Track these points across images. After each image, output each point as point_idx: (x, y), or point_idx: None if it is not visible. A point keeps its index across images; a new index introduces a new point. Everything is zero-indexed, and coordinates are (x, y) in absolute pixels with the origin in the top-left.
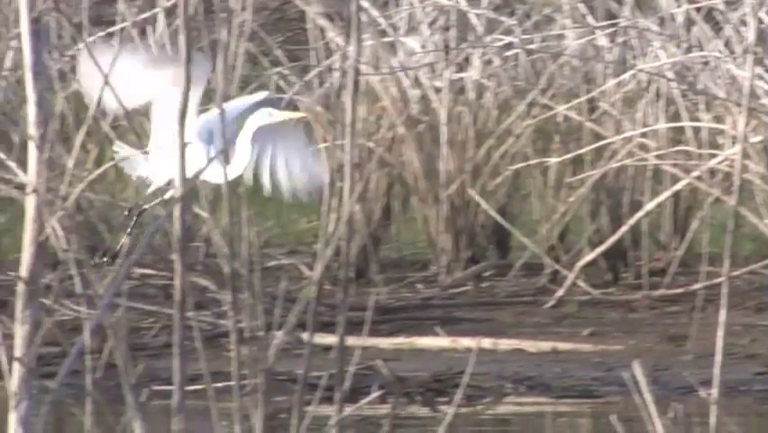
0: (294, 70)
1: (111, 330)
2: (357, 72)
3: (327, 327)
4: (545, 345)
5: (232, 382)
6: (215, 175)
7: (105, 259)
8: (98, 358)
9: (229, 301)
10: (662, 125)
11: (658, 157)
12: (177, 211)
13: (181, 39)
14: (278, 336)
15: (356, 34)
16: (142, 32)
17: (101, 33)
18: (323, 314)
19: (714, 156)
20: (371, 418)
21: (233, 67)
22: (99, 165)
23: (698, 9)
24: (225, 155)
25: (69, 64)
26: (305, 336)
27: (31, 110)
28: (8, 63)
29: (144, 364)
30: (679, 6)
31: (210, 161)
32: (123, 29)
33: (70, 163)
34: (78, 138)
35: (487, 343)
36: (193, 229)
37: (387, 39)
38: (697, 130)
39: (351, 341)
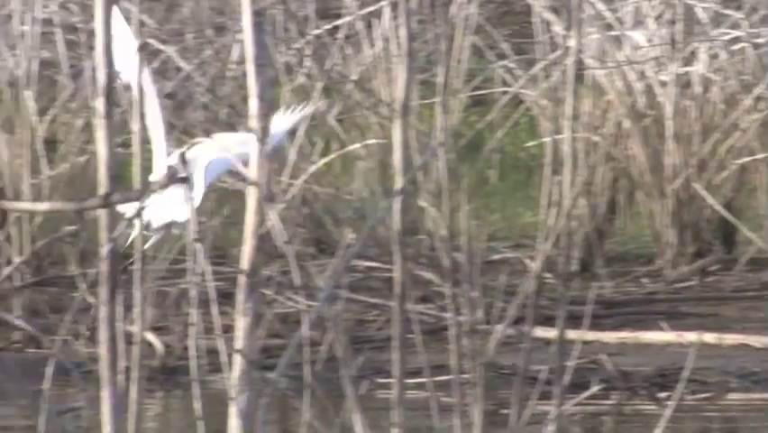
0: (520, 64)
1: (331, 322)
2: (578, 66)
3: (551, 321)
4: None
5: (452, 376)
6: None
7: None
8: (318, 350)
9: (449, 294)
10: None
11: None
12: (397, 204)
13: (402, 32)
14: (499, 329)
15: (577, 28)
16: (368, 26)
17: (326, 26)
18: (546, 308)
19: None
20: (595, 413)
21: (459, 60)
22: (326, 158)
23: None
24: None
25: (296, 57)
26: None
27: (252, 103)
28: (235, 56)
29: (367, 357)
30: None
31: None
32: (349, 22)
33: (292, 156)
34: (300, 131)
35: (710, 338)
36: (417, 222)
37: (613, 33)
38: None
39: (572, 335)
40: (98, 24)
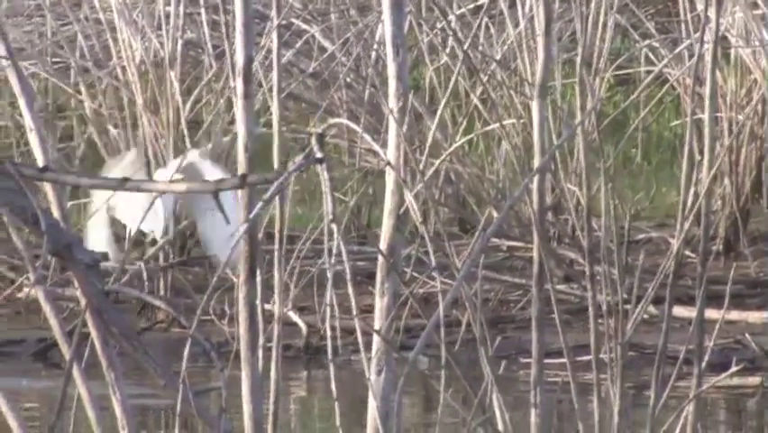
0: (664, 43)
1: (469, 302)
2: (717, 45)
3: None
4: None
5: (591, 356)
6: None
7: None
8: (458, 331)
9: (588, 274)
10: None
11: None
12: (535, 183)
13: (541, 11)
14: (639, 309)
15: (717, 6)
16: (512, 5)
17: (470, 5)
18: (689, 287)
19: None
20: (739, 393)
21: (602, 40)
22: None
23: None
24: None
25: (439, 37)
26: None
27: (391, 83)
28: (378, 36)
29: (510, 337)
30: None
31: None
32: (491, 1)
33: (431, 136)
34: (439, 110)
35: None
36: (562, 202)
37: (758, 11)
38: None
39: (713, 314)
40: (238, 4)
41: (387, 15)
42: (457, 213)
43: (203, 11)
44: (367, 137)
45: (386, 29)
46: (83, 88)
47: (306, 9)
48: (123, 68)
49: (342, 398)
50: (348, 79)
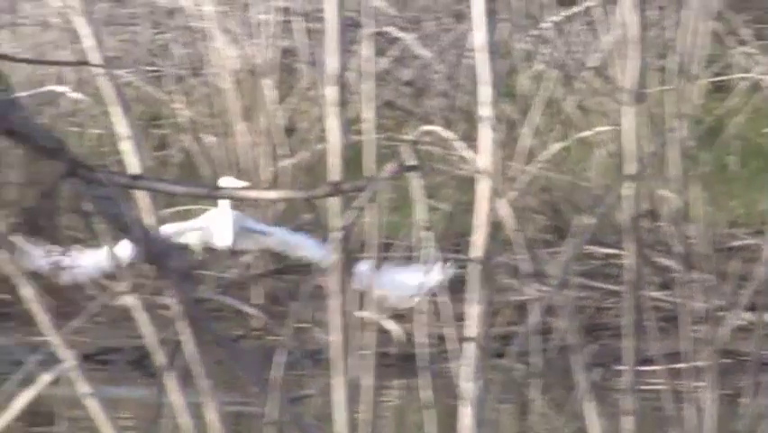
0: (760, 49)
1: (562, 310)
2: None
3: None
4: None
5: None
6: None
7: None
8: (551, 338)
9: (682, 281)
10: None
11: None
12: (628, 190)
13: (635, 18)
14: (733, 316)
15: None
16: (606, 12)
17: (565, 13)
18: None
19: None
20: None
21: (698, 46)
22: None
23: None
24: None
25: (534, 44)
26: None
27: (482, 90)
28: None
29: (605, 344)
30: None
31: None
32: (586, 8)
33: (525, 143)
34: (533, 118)
35: None
36: (657, 209)
37: None
38: None
39: None
40: (329, 12)
41: (478, 22)
42: (551, 220)
43: (297, 19)
44: (459, 144)
45: (476, 36)
46: (178, 96)
47: (400, 17)
48: (218, 76)
49: (435, 406)
50: (442, 87)
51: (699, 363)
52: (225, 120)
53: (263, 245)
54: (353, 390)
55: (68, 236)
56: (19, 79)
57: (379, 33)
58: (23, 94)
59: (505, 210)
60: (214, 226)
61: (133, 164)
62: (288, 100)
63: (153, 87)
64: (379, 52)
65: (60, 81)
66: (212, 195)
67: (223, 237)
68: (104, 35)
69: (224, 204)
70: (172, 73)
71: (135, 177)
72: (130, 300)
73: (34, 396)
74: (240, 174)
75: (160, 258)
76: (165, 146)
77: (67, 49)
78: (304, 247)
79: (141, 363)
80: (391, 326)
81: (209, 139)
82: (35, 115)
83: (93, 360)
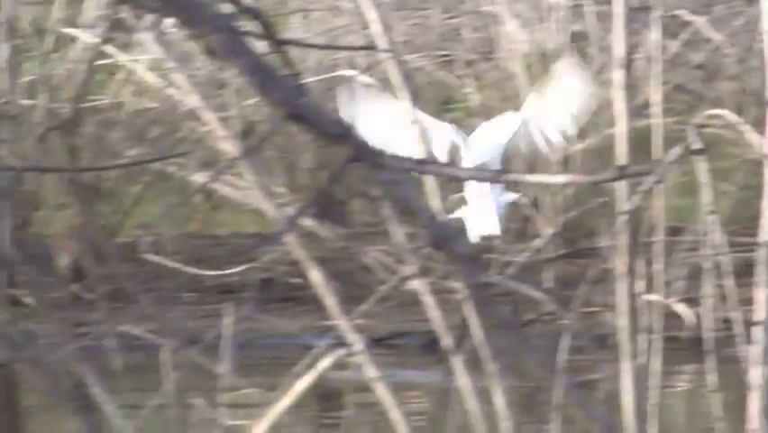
0: None
1: None
2: None
3: None
4: None
5: None
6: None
7: None
8: None
9: None
10: None
11: None
12: None
13: None
14: None
15: None
16: None
17: None
18: None
19: None
20: None
21: None
22: None
23: None
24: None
25: None
26: None
27: None
28: None
29: None
30: None
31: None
32: None
33: None
34: None
35: None
36: None
37: None
38: None
39: None
40: None
41: (766, 8)
42: None
43: (588, 2)
44: (745, 128)
45: (764, 21)
46: (469, 81)
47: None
48: (509, 60)
49: (725, 391)
50: (734, 70)
51: None
52: (516, 104)
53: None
54: (641, 374)
55: (358, 221)
56: (311, 65)
57: (670, 17)
58: (314, 79)
59: None
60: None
61: (420, 149)
62: None
63: (444, 72)
64: (671, 36)
65: (352, 66)
66: (498, 179)
67: (488, 225)
68: (394, 20)
69: (488, 189)
70: (463, 58)
71: (421, 161)
72: (418, 285)
73: (316, 379)
74: (530, 158)
75: (447, 243)
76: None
77: (358, 33)
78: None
79: (430, 347)
80: (681, 309)
81: None
82: (326, 101)
83: (382, 344)
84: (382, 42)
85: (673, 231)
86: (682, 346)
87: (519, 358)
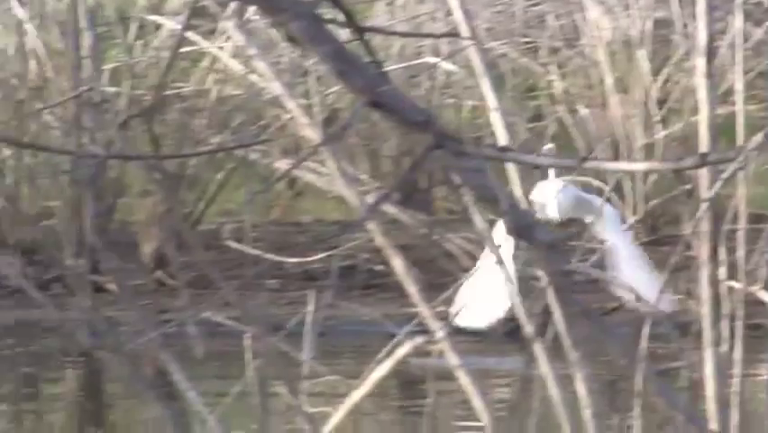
0: None
1: None
2: None
3: None
4: None
5: None
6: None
7: None
8: None
9: None
10: None
11: None
12: None
13: None
14: None
15: None
16: None
17: None
18: None
19: None
20: None
21: None
22: None
23: None
24: None
25: None
26: None
27: None
28: None
29: None
30: None
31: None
32: None
33: None
34: None
35: None
36: None
37: None
38: None
39: None
40: None
41: None
42: None
43: None
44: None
45: None
46: (553, 68)
47: None
48: (593, 47)
49: None
50: None
51: None
52: (600, 92)
53: (594, 214)
54: (723, 362)
55: (442, 208)
56: (394, 52)
57: (754, 4)
58: (398, 66)
59: None
60: (544, 198)
61: (502, 136)
62: (662, 72)
63: (528, 59)
64: (754, 23)
65: (436, 53)
66: (579, 167)
67: (551, 209)
68: (478, 7)
69: (553, 176)
70: (547, 45)
71: (503, 149)
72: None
73: (396, 366)
74: (613, 146)
75: (528, 230)
76: (540, 118)
77: (442, 21)
78: (612, 222)
79: (512, 334)
80: (764, 296)
81: (583, 111)
82: (410, 88)
83: (465, 332)
84: (465, 30)
85: (756, 218)
86: (766, 334)
87: (601, 346)
